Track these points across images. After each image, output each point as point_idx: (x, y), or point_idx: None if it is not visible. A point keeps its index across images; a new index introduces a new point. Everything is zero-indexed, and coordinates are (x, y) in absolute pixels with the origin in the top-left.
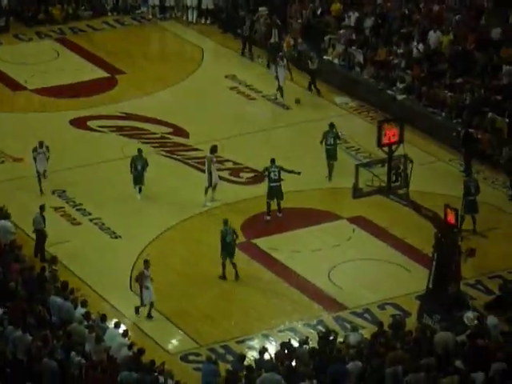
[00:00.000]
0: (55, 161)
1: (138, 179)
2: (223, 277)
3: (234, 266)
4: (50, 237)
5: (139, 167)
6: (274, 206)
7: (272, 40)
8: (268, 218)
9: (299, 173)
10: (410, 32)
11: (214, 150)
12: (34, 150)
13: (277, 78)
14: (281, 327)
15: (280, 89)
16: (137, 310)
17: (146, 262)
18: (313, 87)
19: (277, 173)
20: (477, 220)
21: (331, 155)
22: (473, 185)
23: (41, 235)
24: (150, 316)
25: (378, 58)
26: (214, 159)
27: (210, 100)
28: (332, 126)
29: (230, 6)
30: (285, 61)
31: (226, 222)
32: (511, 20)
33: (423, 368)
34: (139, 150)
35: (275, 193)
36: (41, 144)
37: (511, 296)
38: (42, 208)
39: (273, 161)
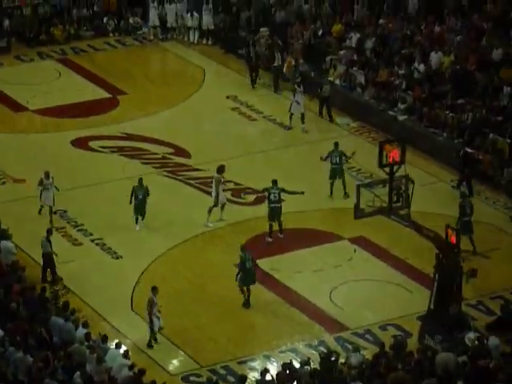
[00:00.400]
0: (56, 181)
1: (139, 208)
2: (247, 303)
3: (249, 292)
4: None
5: (140, 196)
6: (275, 227)
7: (276, 63)
8: (270, 239)
9: (302, 192)
10: (411, 53)
11: (221, 169)
12: (40, 182)
13: (297, 103)
14: (282, 348)
15: (302, 115)
16: (149, 343)
17: (155, 289)
18: (325, 114)
19: (277, 194)
20: (474, 240)
21: (336, 174)
22: (468, 205)
23: (47, 259)
24: (155, 340)
25: (379, 78)
26: (222, 179)
27: (212, 120)
28: (337, 145)
29: (231, 27)
30: (301, 87)
31: (243, 248)
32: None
33: None
34: (140, 180)
35: (276, 214)
36: (47, 175)
37: None
38: (48, 232)
39: (274, 182)
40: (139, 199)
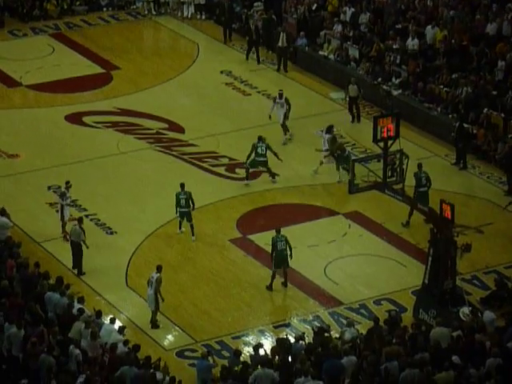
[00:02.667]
0: (51, 156)
1: (184, 216)
2: (270, 287)
3: (286, 274)
4: (46, 232)
5: (183, 202)
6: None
7: (280, 44)
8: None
9: (280, 160)
10: (406, 27)
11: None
12: (62, 195)
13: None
14: (276, 323)
15: (283, 126)
16: (155, 323)
17: (160, 268)
18: (355, 113)
19: (264, 148)
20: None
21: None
22: (424, 176)
23: (78, 248)
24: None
25: (373, 53)
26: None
27: (206, 95)
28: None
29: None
30: (283, 98)
31: (279, 230)
32: (506, 15)
33: (417, 363)
34: (182, 185)
35: (259, 165)
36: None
37: (506, 291)
38: (80, 220)
39: (260, 138)
40: (182, 207)
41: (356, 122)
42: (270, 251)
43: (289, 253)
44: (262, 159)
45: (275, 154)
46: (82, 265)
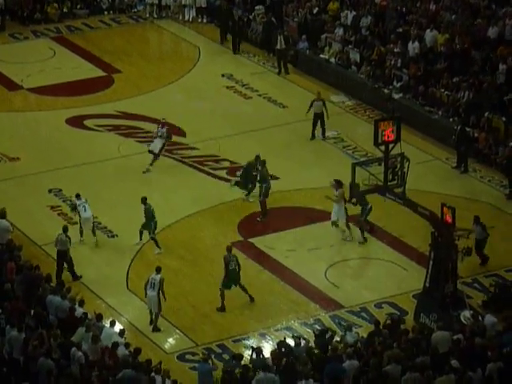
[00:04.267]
0: (52, 160)
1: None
2: (222, 308)
3: (244, 289)
4: (47, 235)
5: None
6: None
7: (278, 46)
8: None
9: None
10: (407, 31)
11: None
12: (74, 208)
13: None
14: (277, 326)
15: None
16: (156, 326)
17: (160, 269)
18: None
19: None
20: None
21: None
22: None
23: (65, 256)
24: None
25: (374, 56)
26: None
27: (207, 99)
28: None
29: (226, 5)
30: (165, 129)
31: (229, 249)
32: (508, 19)
33: (418, 367)
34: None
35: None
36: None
37: (508, 294)
38: (65, 229)
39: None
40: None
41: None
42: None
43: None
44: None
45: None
46: (75, 269)
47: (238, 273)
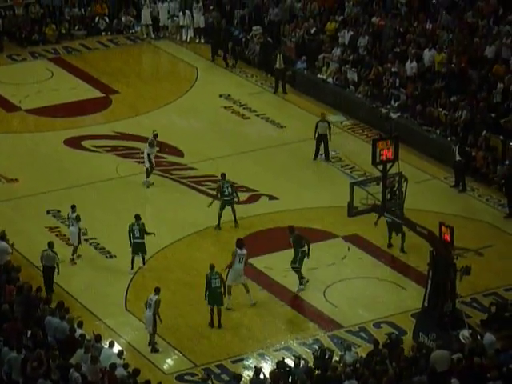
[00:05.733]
0: (50, 181)
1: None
2: (211, 324)
3: (219, 313)
4: None
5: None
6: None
7: (277, 65)
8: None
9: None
10: (404, 50)
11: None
12: (78, 219)
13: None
14: (276, 346)
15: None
16: (153, 347)
17: (158, 290)
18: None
19: (230, 188)
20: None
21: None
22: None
23: (50, 271)
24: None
25: (372, 76)
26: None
27: (205, 119)
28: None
29: (224, 25)
30: (151, 138)
31: (212, 267)
32: (504, 38)
33: None
34: (136, 216)
35: (228, 204)
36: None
37: (506, 313)
38: (50, 245)
39: (223, 176)
40: (137, 237)
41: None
42: (205, 288)
43: (222, 290)
44: (228, 199)
45: (237, 195)
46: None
47: (219, 293)
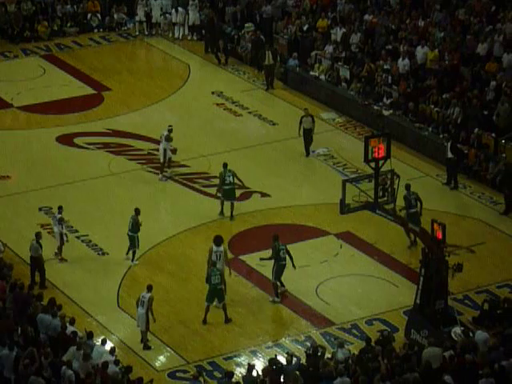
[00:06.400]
0: (42, 178)
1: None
2: (204, 321)
3: (224, 308)
4: None
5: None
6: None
7: (266, 62)
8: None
9: (246, 187)
10: (397, 48)
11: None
12: (61, 220)
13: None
14: (268, 343)
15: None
16: (145, 344)
17: (151, 287)
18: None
19: (231, 177)
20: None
21: None
22: (413, 197)
23: (37, 262)
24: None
25: (364, 73)
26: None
27: (197, 116)
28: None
29: (216, 22)
30: (166, 132)
31: (214, 264)
32: (496, 35)
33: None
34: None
35: (229, 194)
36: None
37: (498, 310)
38: (37, 235)
39: (225, 165)
40: (130, 230)
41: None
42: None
43: (223, 287)
44: (229, 187)
45: (240, 181)
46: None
47: (220, 289)
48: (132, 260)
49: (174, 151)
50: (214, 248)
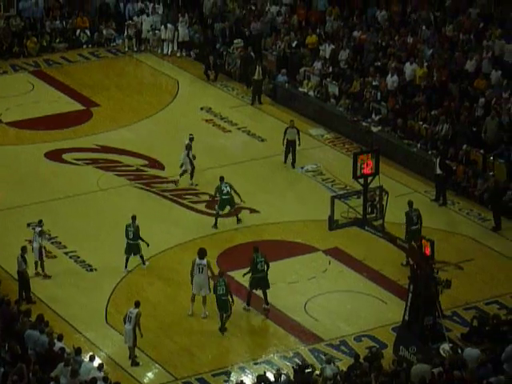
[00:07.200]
0: (31, 193)
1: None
2: (222, 328)
3: (221, 318)
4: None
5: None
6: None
7: (256, 77)
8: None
9: (243, 201)
10: (385, 64)
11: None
12: (41, 233)
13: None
14: (257, 360)
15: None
16: (134, 360)
17: (138, 303)
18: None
19: (229, 187)
20: None
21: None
22: (415, 214)
23: (22, 277)
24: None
25: (353, 89)
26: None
27: (186, 132)
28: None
29: (207, 39)
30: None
31: (221, 274)
32: (484, 52)
33: None
34: (132, 217)
35: (227, 203)
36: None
37: (487, 327)
38: (23, 250)
39: (222, 179)
40: (130, 239)
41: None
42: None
43: (230, 299)
44: (227, 197)
45: (238, 195)
46: (31, 293)
47: (224, 300)
48: (143, 264)
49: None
50: (197, 261)
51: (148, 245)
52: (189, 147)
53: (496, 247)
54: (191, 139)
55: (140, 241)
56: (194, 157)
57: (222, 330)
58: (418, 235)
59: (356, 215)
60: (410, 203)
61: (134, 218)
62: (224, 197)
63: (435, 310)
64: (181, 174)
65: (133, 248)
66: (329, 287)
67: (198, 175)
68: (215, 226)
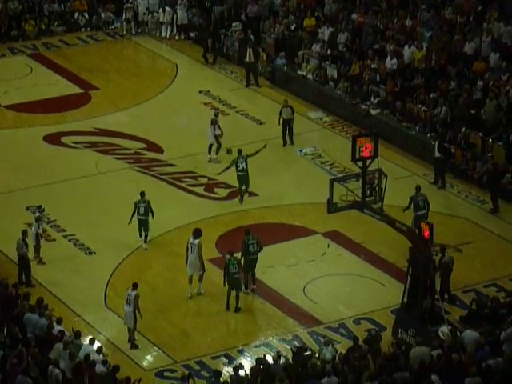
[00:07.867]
0: (29, 177)
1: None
2: (227, 307)
3: (237, 298)
4: None
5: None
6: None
7: (247, 59)
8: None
9: (264, 145)
10: (384, 47)
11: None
12: (39, 219)
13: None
14: (256, 343)
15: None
16: (133, 343)
17: (136, 285)
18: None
19: (245, 164)
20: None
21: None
22: (422, 199)
23: (23, 260)
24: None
25: (351, 72)
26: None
27: (184, 115)
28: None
29: (206, 22)
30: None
31: (231, 253)
32: (484, 35)
33: (398, 383)
34: (141, 193)
35: (242, 180)
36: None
37: (485, 310)
38: (23, 233)
39: (240, 151)
40: (141, 214)
41: (289, 145)
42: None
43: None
44: (241, 174)
45: (258, 152)
46: (31, 277)
47: (237, 278)
48: (145, 242)
49: (220, 135)
50: (190, 240)
51: (153, 216)
52: (214, 122)
53: (495, 230)
54: (216, 114)
55: (150, 217)
56: (222, 134)
57: (237, 309)
58: (424, 220)
59: (355, 198)
60: (418, 188)
61: (142, 193)
62: (238, 173)
63: (434, 293)
64: (209, 150)
65: (143, 223)
66: (328, 270)
67: (195, 159)
68: (240, 200)
